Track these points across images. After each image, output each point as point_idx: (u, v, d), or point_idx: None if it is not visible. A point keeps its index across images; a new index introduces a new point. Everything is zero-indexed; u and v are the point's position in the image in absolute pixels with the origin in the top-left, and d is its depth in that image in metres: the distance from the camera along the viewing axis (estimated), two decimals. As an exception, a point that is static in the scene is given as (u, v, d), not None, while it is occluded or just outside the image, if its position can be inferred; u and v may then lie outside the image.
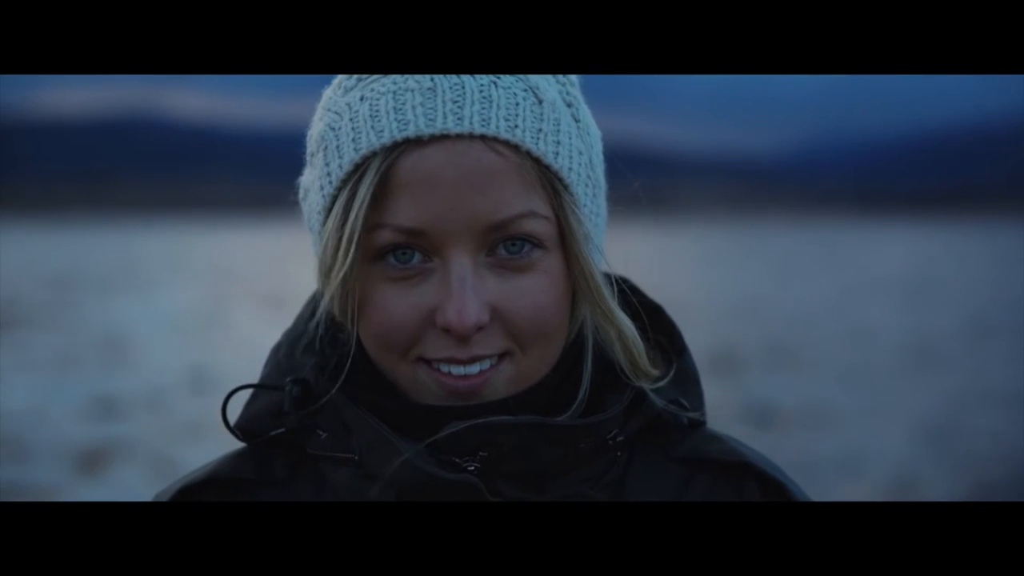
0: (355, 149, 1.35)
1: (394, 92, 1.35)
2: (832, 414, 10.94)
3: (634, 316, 1.44)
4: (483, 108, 1.33)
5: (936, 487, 8.25)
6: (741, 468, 1.44)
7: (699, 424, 1.46)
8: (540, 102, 1.36)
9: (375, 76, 1.38)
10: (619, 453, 1.42)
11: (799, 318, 18.79)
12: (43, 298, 21.15)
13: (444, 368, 1.37)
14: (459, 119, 1.32)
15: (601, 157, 1.45)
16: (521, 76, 1.37)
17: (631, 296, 1.47)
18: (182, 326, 17.38)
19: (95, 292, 22.56)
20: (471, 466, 1.35)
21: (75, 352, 14.76)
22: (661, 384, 1.44)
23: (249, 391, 1.47)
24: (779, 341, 15.81)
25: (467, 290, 1.33)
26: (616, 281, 1.44)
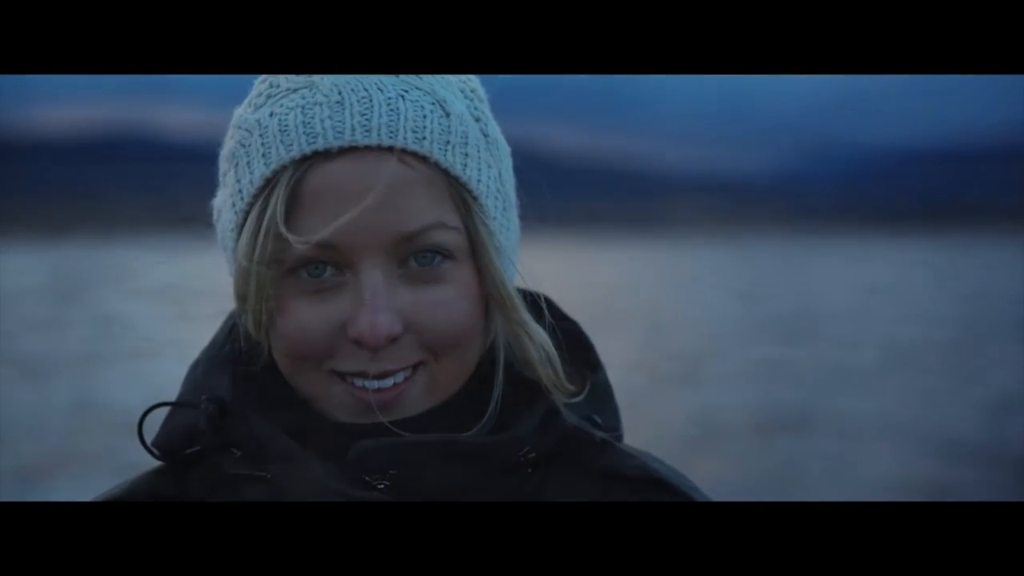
0: (265, 164, 1.36)
1: (303, 107, 1.36)
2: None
3: (549, 333, 1.43)
4: (391, 120, 1.34)
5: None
6: (655, 484, 1.44)
7: (614, 441, 1.46)
8: (448, 115, 1.37)
9: (284, 92, 1.38)
10: (531, 470, 1.41)
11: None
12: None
13: (358, 382, 1.36)
14: (367, 131, 1.33)
15: (511, 173, 1.45)
16: (429, 91, 1.38)
17: (546, 312, 1.46)
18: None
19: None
20: (381, 484, 1.35)
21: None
22: (576, 400, 1.44)
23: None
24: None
25: (378, 302, 1.33)
26: (532, 298, 1.45)
